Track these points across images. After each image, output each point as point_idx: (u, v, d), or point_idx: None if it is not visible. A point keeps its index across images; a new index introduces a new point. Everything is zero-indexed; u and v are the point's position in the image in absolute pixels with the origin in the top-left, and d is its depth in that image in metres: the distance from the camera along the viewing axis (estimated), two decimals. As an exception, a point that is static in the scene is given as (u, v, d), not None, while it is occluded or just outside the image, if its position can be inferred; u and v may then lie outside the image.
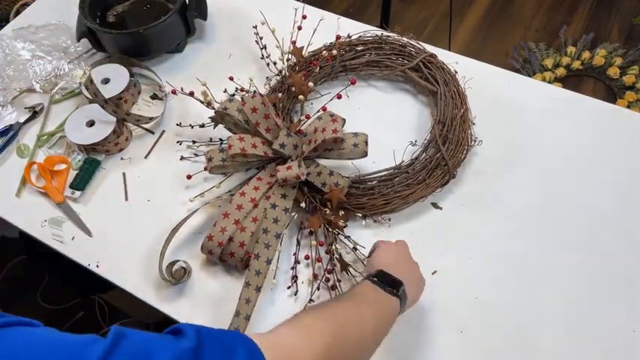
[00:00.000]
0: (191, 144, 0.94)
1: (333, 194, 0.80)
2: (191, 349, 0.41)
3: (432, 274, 0.79)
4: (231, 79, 0.94)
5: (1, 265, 1.62)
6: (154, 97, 1.03)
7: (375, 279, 0.65)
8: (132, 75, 1.00)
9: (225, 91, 0.98)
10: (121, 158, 0.95)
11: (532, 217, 0.84)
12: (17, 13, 1.22)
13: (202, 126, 0.93)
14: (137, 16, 1.10)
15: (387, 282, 0.65)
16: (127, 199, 0.90)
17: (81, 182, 0.90)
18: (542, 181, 0.88)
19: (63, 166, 0.93)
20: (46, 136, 0.98)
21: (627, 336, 0.73)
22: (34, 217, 0.88)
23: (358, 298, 0.62)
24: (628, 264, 0.79)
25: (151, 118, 0.96)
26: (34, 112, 1.01)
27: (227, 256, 0.78)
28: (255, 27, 0.98)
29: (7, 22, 1.20)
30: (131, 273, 0.82)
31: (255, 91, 0.86)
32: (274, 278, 0.79)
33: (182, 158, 0.92)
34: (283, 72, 0.96)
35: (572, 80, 1.99)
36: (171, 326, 0.45)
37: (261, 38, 0.98)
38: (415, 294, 0.69)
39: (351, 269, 0.78)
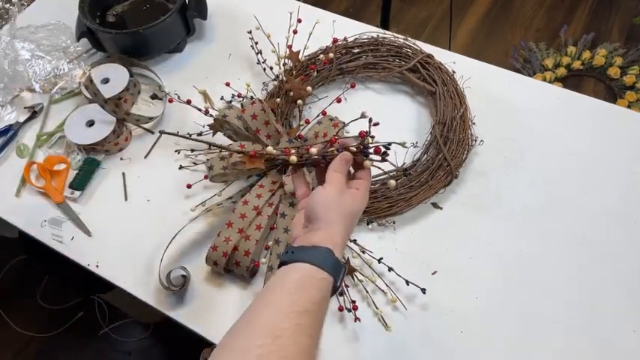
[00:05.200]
0: (189, 153, 0.93)
1: None
2: None
3: (432, 274, 0.79)
4: (227, 84, 0.94)
5: (1, 265, 1.62)
6: (154, 97, 1.03)
7: (336, 274, 0.52)
8: (131, 75, 1.00)
9: (222, 98, 0.98)
10: (121, 158, 0.95)
11: (532, 216, 0.84)
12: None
13: (200, 134, 0.93)
14: (137, 15, 1.10)
15: (342, 276, 0.55)
16: (126, 199, 0.90)
17: (80, 182, 0.90)
18: (543, 180, 0.88)
19: (62, 166, 0.93)
20: (45, 136, 0.98)
21: (627, 336, 0.73)
22: (34, 217, 0.88)
23: (317, 320, 0.49)
24: (628, 264, 0.79)
25: (151, 118, 0.96)
26: (34, 112, 1.01)
27: (233, 266, 0.78)
28: (250, 32, 0.98)
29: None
30: (131, 273, 0.82)
31: (253, 97, 0.85)
32: None
33: (181, 167, 0.92)
34: (280, 77, 0.96)
35: (573, 80, 1.99)
36: None
37: (256, 43, 0.97)
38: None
39: (357, 274, 0.78)
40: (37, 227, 0.87)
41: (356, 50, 1.00)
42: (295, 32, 0.94)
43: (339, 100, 0.86)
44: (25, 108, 1.02)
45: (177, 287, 0.78)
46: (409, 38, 1.00)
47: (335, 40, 0.98)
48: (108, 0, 1.11)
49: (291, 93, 0.91)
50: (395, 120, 0.96)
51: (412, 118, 0.96)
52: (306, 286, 0.50)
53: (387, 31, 1.03)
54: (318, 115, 0.86)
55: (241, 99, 0.97)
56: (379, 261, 0.77)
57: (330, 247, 0.53)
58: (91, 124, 0.94)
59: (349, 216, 0.57)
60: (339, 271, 0.53)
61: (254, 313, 0.48)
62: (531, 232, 0.83)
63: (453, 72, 0.96)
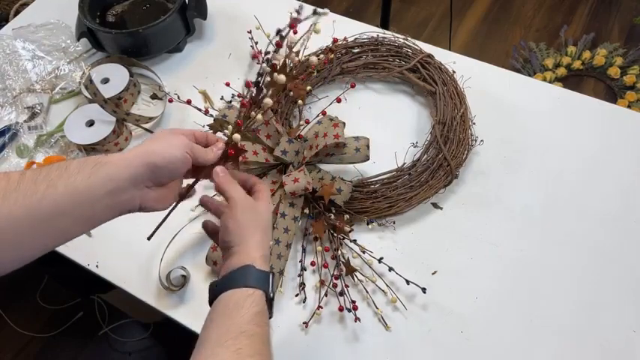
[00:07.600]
0: None
1: (324, 190, 0.79)
2: None
3: (432, 274, 0.79)
4: (227, 84, 0.94)
5: (0, 265, 1.62)
6: (154, 96, 1.02)
7: (263, 285, 0.53)
8: (131, 75, 1.00)
9: (222, 98, 0.98)
10: (121, 158, 0.95)
11: (533, 217, 0.84)
12: (17, 12, 1.22)
13: None
14: (137, 15, 1.10)
15: (272, 282, 0.55)
16: (126, 199, 0.90)
17: (80, 182, 0.90)
18: (543, 181, 0.88)
19: (62, 166, 0.93)
20: (45, 136, 0.98)
21: (627, 336, 0.73)
22: (34, 217, 0.88)
23: (257, 337, 0.50)
24: (628, 264, 0.79)
25: (151, 118, 0.96)
26: (34, 112, 1.01)
27: None
28: (250, 32, 0.97)
29: (7, 21, 1.20)
30: (131, 273, 0.82)
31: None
32: (281, 287, 0.78)
33: None
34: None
35: (573, 80, 1.99)
36: None
37: (256, 43, 0.97)
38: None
39: (357, 274, 0.78)
40: (37, 227, 0.87)
41: (356, 50, 1.00)
42: (295, 32, 0.94)
43: (339, 100, 0.86)
44: (25, 108, 1.02)
45: (177, 287, 0.78)
46: (409, 38, 1.00)
47: (335, 40, 0.98)
48: (108, 0, 1.11)
49: (291, 93, 0.91)
50: (395, 120, 0.96)
51: (412, 118, 0.96)
52: (233, 311, 0.51)
53: (387, 31, 1.03)
54: (318, 115, 0.85)
55: (241, 99, 0.96)
56: (379, 261, 0.77)
57: (249, 263, 0.54)
58: (90, 124, 0.94)
59: (262, 226, 0.58)
60: (265, 280, 0.54)
61: (194, 355, 0.48)
62: (531, 232, 0.82)
63: (453, 72, 0.96)
